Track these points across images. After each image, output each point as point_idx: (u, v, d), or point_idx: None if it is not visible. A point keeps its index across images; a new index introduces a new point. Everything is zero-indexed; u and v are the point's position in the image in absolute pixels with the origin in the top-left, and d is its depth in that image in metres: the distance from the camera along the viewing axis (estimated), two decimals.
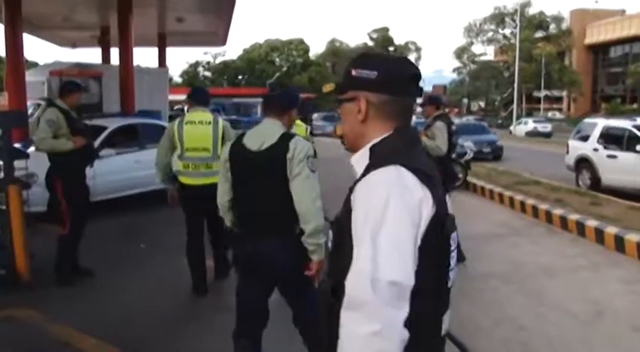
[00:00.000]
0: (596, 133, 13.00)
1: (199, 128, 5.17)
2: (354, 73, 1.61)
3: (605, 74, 65.27)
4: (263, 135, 3.22)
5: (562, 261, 6.68)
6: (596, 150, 12.69)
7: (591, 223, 7.76)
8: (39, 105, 16.36)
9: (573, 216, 8.25)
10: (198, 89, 6.20)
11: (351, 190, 1.53)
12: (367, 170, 1.50)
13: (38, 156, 8.94)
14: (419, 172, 1.46)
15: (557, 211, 8.69)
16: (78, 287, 5.49)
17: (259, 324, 3.35)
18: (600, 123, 13.37)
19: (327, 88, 1.78)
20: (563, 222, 8.38)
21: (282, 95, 3.59)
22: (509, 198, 10.33)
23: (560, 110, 66.46)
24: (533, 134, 39.97)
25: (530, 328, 4.67)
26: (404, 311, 1.35)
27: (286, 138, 3.18)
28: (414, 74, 1.62)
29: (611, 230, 7.33)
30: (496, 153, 21.17)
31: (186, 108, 7.35)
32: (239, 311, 3.38)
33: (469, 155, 12.41)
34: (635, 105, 52.29)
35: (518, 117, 48.30)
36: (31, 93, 15.50)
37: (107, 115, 12.28)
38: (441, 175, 1.66)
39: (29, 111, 15.81)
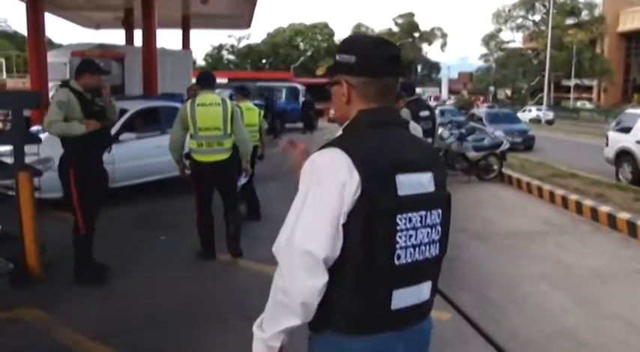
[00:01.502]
0: (639, 125, 12.30)
1: (211, 109, 5.68)
2: (337, 58, 1.73)
3: (638, 63, 63.37)
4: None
5: (615, 265, 6.12)
6: (639, 142, 12.00)
7: None
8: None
9: (623, 215, 7.65)
10: (205, 74, 6.28)
11: None
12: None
13: (55, 140, 8.67)
14: (353, 154, 1.55)
15: (604, 208, 8.09)
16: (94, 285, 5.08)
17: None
18: None
19: (321, 71, 1.83)
20: (612, 220, 7.78)
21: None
22: (549, 193, 9.72)
23: (589, 100, 64.77)
24: (535, 121, 40.14)
25: (591, 345, 4.14)
26: (316, 280, 1.51)
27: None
28: (391, 55, 1.71)
29: None
30: (528, 144, 20.45)
31: None
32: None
33: (505, 145, 11.78)
34: None
35: (548, 106, 47.22)
36: (53, 74, 15.24)
37: (129, 98, 11.93)
38: None
39: (51, 93, 15.61)
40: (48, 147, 7.09)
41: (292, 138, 2.09)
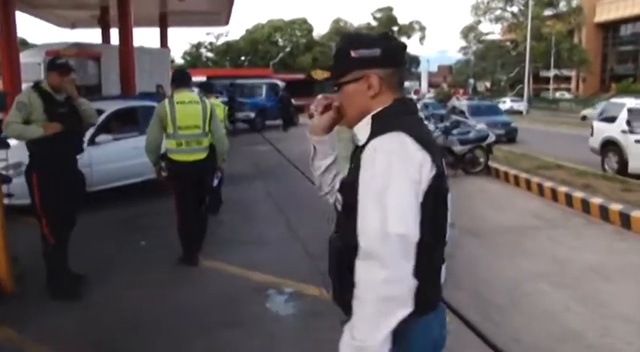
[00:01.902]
0: (623, 114, 12.22)
1: (190, 107, 5.56)
2: (354, 54, 1.70)
3: (615, 53, 63.99)
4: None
5: (613, 259, 5.95)
6: (624, 132, 11.92)
7: (637, 214, 7.03)
8: None
9: (615, 206, 7.51)
10: (181, 72, 6.14)
11: (359, 156, 1.64)
12: (371, 137, 1.62)
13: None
14: (418, 137, 1.58)
15: (595, 200, 7.95)
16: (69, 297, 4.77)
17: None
18: (628, 104, 12.55)
19: (322, 75, 1.83)
20: (604, 212, 7.64)
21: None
22: (537, 185, 9.58)
23: (568, 90, 65.24)
24: (510, 112, 39.21)
25: (599, 347, 3.95)
26: (411, 261, 1.50)
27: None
28: (404, 45, 1.79)
29: None
30: (510, 136, 20.35)
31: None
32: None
33: (491, 138, 11.62)
34: None
35: (529, 97, 47.47)
36: (27, 75, 14.79)
37: (106, 98, 11.56)
38: None
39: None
40: (18, 152, 6.80)
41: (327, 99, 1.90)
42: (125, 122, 8.75)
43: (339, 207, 1.82)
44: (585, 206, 8.09)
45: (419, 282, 1.51)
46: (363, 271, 1.50)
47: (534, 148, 15.95)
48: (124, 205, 8.28)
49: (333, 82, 1.79)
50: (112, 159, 8.24)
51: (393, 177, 1.52)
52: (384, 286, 1.46)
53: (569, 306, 4.63)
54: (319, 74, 1.84)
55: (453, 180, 10.85)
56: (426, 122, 8.66)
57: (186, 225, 5.64)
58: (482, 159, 11.52)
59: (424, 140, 1.59)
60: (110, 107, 8.70)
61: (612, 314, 4.47)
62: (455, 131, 11.75)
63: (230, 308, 4.55)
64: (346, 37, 1.83)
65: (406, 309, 1.48)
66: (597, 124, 13.41)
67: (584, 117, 40.74)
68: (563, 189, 8.87)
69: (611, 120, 12.71)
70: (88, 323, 4.28)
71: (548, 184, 9.30)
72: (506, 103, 43.95)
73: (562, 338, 4.06)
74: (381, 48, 1.69)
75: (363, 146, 1.65)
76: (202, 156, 5.64)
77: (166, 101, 5.59)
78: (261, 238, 6.73)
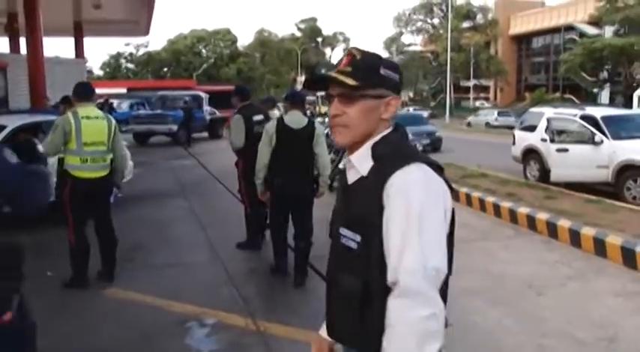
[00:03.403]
0: (542, 123, 12.50)
1: (96, 123, 5.31)
2: (382, 72, 1.65)
3: (528, 64, 66.76)
4: (297, 119, 5.35)
5: (544, 272, 5.87)
6: (544, 140, 12.18)
7: (564, 223, 7.04)
8: None
9: (541, 215, 7.52)
10: (83, 84, 5.70)
11: (372, 189, 1.57)
12: (386, 168, 1.56)
13: None
14: (435, 166, 1.58)
15: (523, 210, 7.95)
16: None
17: (285, 228, 5.58)
18: (547, 113, 12.85)
19: (349, 81, 1.61)
20: (531, 221, 7.64)
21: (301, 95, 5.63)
22: (465, 195, 9.56)
23: (487, 99, 67.55)
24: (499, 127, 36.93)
25: None
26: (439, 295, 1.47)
27: (311, 122, 5.47)
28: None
29: (588, 231, 6.63)
30: (435, 145, 20.62)
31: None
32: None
33: (417, 148, 11.58)
34: (557, 94, 53.52)
35: (450, 107, 48.72)
36: None
37: (10, 112, 10.72)
38: None
39: None
40: None
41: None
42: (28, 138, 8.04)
43: (351, 244, 1.63)
44: (513, 216, 8.08)
45: None
46: (404, 309, 1.43)
47: (459, 157, 16.12)
48: (33, 230, 7.56)
49: (353, 90, 1.61)
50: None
51: (428, 212, 1.49)
52: (427, 322, 1.41)
53: (505, 324, 4.46)
54: (349, 81, 1.60)
55: None
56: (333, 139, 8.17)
57: (81, 246, 5.31)
58: None
59: (439, 168, 1.60)
60: (13, 122, 7.99)
61: (550, 331, 4.33)
62: None
63: (146, 347, 4.10)
64: (372, 53, 1.70)
65: (439, 342, 1.44)
66: (518, 133, 13.69)
67: (468, 124, 41.90)
68: (491, 199, 8.86)
69: (532, 129, 12.98)
70: None
71: (475, 194, 9.28)
72: (487, 116, 41.02)
73: None
74: (399, 75, 1.70)
75: (370, 178, 1.59)
76: (106, 172, 5.41)
77: (70, 114, 5.26)
78: (181, 262, 6.26)
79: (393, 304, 1.45)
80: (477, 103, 62.43)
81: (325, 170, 5.47)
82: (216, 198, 10.05)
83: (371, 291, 1.55)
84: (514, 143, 13.69)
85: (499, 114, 41.08)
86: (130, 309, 4.83)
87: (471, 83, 61.12)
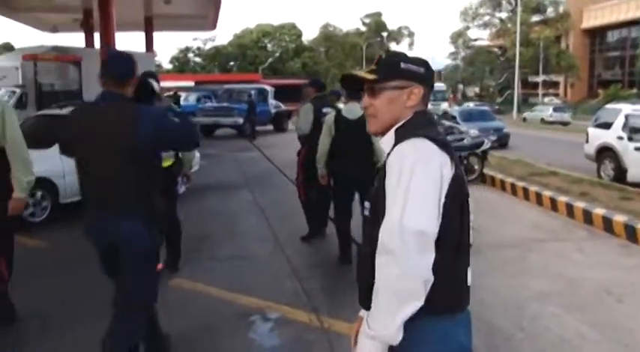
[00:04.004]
0: (619, 121, 11.94)
1: None
2: (403, 65, 1.85)
3: (602, 59, 64.00)
4: (354, 110, 5.55)
5: (622, 277, 5.53)
6: (620, 138, 11.63)
7: None
8: (13, 92, 15.13)
9: (619, 217, 7.13)
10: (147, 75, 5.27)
11: (384, 164, 1.76)
12: (395, 145, 1.75)
13: None
14: (438, 141, 1.70)
15: (598, 211, 7.57)
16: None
17: (349, 218, 5.75)
18: (624, 110, 12.26)
19: (367, 75, 1.87)
20: (607, 223, 7.26)
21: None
22: (535, 194, 9.19)
23: (556, 95, 65.24)
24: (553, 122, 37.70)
25: None
26: (429, 257, 1.59)
27: None
28: (434, 71, 1.97)
29: None
30: (503, 141, 20.03)
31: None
32: (339, 217, 5.86)
33: (486, 145, 11.22)
34: (634, 90, 51.07)
35: (518, 103, 47.35)
36: (4, 79, 14.29)
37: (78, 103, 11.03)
38: None
39: (4, 99, 14.60)
40: None
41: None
42: None
43: (367, 213, 1.84)
44: (587, 217, 7.70)
45: (441, 281, 1.62)
46: (380, 265, 1.59)
47: (527, 154, 15.60)
48: None
49: (374, 84, 1.85)
50: None
51: (416, 175, 1.61)
52: (398, 280, 1.55)
53: (583, 333, 4.20)
54: (368, 75, 1.87)
55: None
56: None
57: None
58: (476, 167, 11.13)
59: (444, 143, 1.71)
60: None
61: (632, 342, 4.06)
62: (449, 137, 11.33)
63: (210, 340, 4.10)
64: (396, 52, 1.98)
65: (418, 302, 1.57)
66: (592, 131, 13.14)
67: (524, 119, 41.12)
68: (563, 198, 8.49)
69: (607, 126, 12.44)
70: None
71: (547, 193, 8.91)
72: (543, 112, 40.96)
73: None
74: (425, 68, 1.87)
75: (388, 154, 1.76)
76: (169, 162, 5.31)
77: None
78: (245, 254, 6.27)
79: (376, 261, 1.62)
80: (546, 100, 60.40)
81: (382, 157, 5.40)
82: (280, 190, 10.05)
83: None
84: (587, 141, 13.16)
85: (554, 109, 40.93)
86: (194, 300, 4.86)
87: (540, 79, 59.13)
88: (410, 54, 1.96)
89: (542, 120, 39.07)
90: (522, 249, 6.49)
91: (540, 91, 60.92)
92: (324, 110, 6.47)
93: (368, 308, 1.70)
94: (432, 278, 1.59)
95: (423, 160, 1.64)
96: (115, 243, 2.94)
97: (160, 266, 3.32)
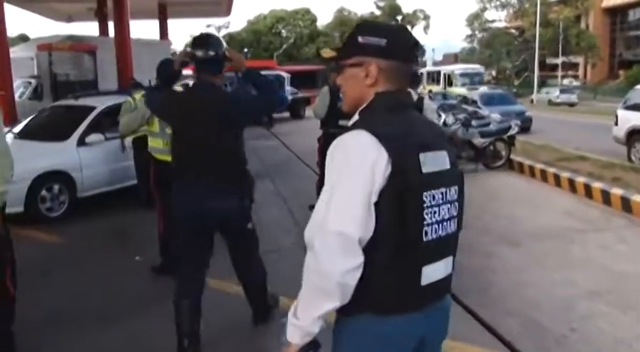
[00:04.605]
0: None
1: None
2: (361, 39, 1.72)
3: (623, 38, 62.68)
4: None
5: None
6: None
7: None
8: (29, 83, 14.94)
9: None
10: (166, 62, 4.79)
11: None
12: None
13: (11, 148, 7.56)
14: (379, 135, 1.58)
15: (638, 198, 7.20)
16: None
17: None
18: None
19: (328, 53, 1.85)
20: None
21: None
22: (568, 180, 8.81)
23: (576, 77, 64.12)
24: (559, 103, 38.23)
25: None
26: (349, 261, 1.53)
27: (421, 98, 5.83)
28: (415, 42, 1.79)
29: None
30: (525, 125, 19.43)
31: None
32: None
33: (513, 129, 10.82)
34: None
35: (538, 85, 46.51)
36: (19, 70, 14.09)
37: (102, 93, 10.81)
38: None
39: (20, 90, 14.44)
40: None
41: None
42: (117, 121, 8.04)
43: None
44: (626, 204, 7.33)
45: (380, 281, 1.59)
46: (307, 258, 1.58)
47: (551, 138, 15.11)
48: (116, 212, 7.52)
49: (334, 63, 1.83)
50: (104, 160, 7.54)
51: (343, 175, 1.56)
52: (312, 276, 1.55)
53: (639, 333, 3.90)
54: (327, 53, 1.84)
55: (474, 175, 10.12)
56: (441, 114, 9.05)
57: (170, 232, 4.90)
58: (503, 153, 10.74)
59: (387, 136, 1.58)
60: (102, 104, 7.98)
61: None
62: (475, 122, 10.97)
63: (244, 343, 3.85)
64: (360, 23, 1.82)
65: (333, 302, 1.55)
66: (622, 113, 12.67)
67: (531, 101, 41.12)
68: (598, 184, 8.11)
69: (638, 108, 11.97)
70: None
71: (580, 179, 8.53)
72: (549, 94, 41.24)
73: None
74: (388, 39, 1.70)
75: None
76: None
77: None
78: (274, 248, 5.99)
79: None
80: (565, 81, 59.35)
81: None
82: (301, 179, 9.74)
83: None
84: (616, 123, 12.69)
85: (561, 91, 41.46)
86: (225, 301, 4.58)
87: (559, 60, 58.05)
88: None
89: (550, 102, 39.23)
90: (562, 240, 6.15)
91: (559, 73, 59.82)
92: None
93: None
94: (351, 283, 1.54)
95: (352, 157, 1.57)
96: (219, 210, 3.53)
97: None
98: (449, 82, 36.78)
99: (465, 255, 5.74)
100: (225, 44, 3.59)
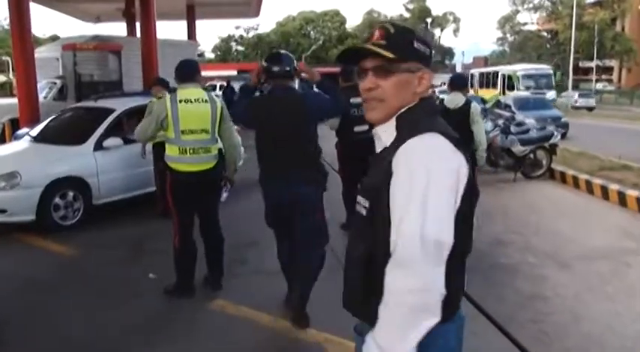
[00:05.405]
0: None
1: (197, 107, 4.55)
2: (416, 45, 1.65)
3: None
4: (456, 100, 6.36)
5: None
6: None
7: None
8: (54, 83, 14.75)
9: None
10: (185, 63, 4.80)
11: (387, 158, 1.55)
12: (403, 137, 1.54)
13: (25, 153, 7.24)
14: (452, 138, 1.53)
15: None
16: None
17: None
18: None
19: (386, 53, 1.60)
20: None
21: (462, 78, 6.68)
22: (617, 193, 8.18)
23: (610, 81, 62.50)
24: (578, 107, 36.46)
25: None
26: (443, 268, 1.44)
27: (468, 101, 6.42)
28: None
29: None
30: (562, 131, 18.75)
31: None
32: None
33: (555, 137, 10.19)
34: None
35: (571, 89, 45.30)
36: (44, 70, 13.90)
37: (125, 94, 10.50)
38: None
39: (45, 91, 14.24)
40: (12, 161, 5.89)
41: None
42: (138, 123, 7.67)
43: (362, 211, 1.64)
44: None
45: (449, 289, 1.47)
46: (395, 279, 1.44)
47: (588, 145, 14.34)
48: (132, 222, 7.11)
49: (388, 63, 1.61)
50: (123, 166, 7.16)
51: (433, 181, 1.46)
52: (416, 295, 1.41)
53: None
54: (387, 53, 1.59)
55: (512, 185, 9.55)
56: (485, 119, 8.40)
57: (186, 249, 4.68)
58: (544, 161, 10.13)
59: (457, 140, 1.54)
60: (122, 106, 7.62)
61: None
62: (514, 129, 10.36)
63: None
64: (409, 28, 1.74)
65: (435, 318, 1.44)
66: None
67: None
68: None
69: None
70: None
71: (632, 193, 7.89)
72: (573, 98, 38.69)
73: None
74: (430, 49, 1.70)
75: (390, 148, 1.59)
76: (210, 165, 4.64)
77: (168, 97, 4.55)
78: None
79: (388, 272, 1.46)
80: (600, 85, 57.88)
81: (481, 145, 6.37)
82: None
83: (375, 258, 1.54)
84: None
85: (579, 95, 39.41)
86: (241, 328, 4.11)
87: (594, 64, 56.61)
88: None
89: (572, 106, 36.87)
90: (617, 262, 5.56)
91: (594, 77, 58.34)
92: (353, 101, 5.68)
93: (354, 312, 1.67)
94: (445, 292, 1.45)
95: (438, 160, 1.49)
96: (295, 201, 3.93)
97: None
98: (509, 85, 32.27)
99: (510, 276, 5.24)
100: (295, 61, 4.15)
